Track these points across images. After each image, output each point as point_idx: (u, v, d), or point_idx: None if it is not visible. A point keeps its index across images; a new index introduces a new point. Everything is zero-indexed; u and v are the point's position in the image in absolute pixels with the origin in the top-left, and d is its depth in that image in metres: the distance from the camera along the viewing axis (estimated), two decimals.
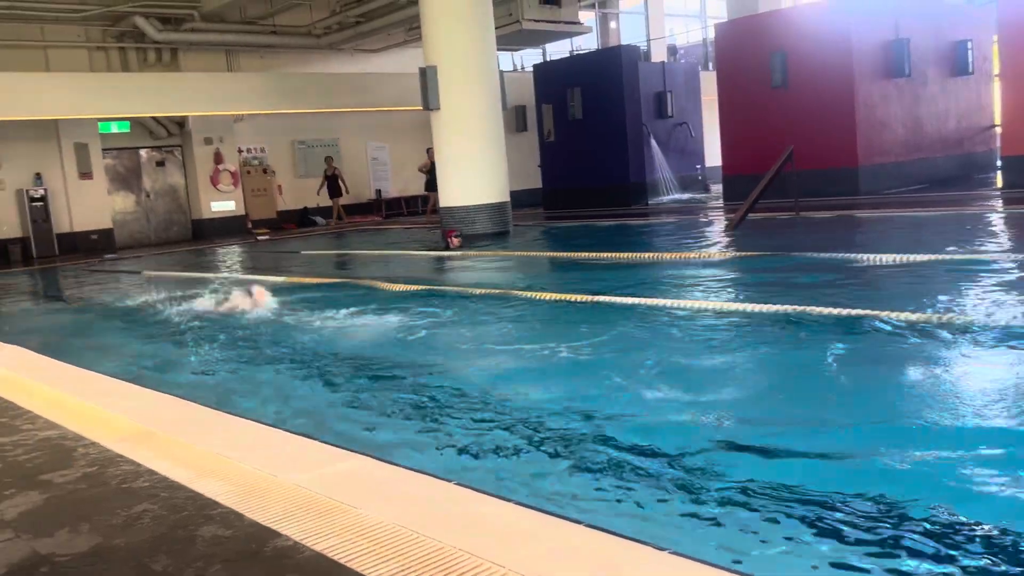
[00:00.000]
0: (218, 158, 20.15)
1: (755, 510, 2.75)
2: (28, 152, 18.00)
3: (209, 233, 19.95)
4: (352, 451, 3.25)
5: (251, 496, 2.78)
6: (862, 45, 14.21)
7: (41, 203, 17.88)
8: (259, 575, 2.21)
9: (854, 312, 5.32)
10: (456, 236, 12.58)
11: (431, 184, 18.38)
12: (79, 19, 18.18)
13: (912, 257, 7.30)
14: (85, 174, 18.60)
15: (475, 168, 14.13)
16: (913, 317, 5.02)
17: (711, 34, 21.60)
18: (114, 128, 19.13)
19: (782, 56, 14.70)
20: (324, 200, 21.85)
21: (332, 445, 3.36)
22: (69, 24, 18.29)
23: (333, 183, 20.52)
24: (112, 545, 2.49)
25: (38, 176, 18.05)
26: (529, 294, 7.38)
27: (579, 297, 7.01)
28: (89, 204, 18.70)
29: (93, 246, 18.52)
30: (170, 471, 3.10)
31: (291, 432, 3.59)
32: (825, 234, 10.18)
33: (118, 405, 4.23)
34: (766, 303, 5.85)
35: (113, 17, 18.50)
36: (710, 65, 24.80)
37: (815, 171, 13.53)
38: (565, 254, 11.09)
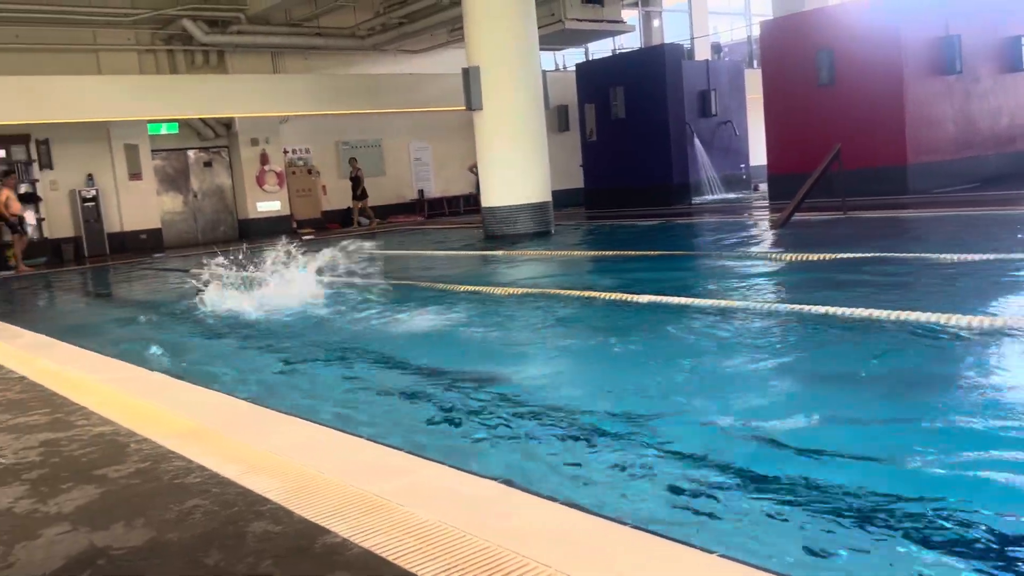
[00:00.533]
0: (264, 159, 20.44)
1: (810, 514, 2.71)
2: (80, 154, 18.42)
3: (255, 233, 20.22)
4: (399, 449, 3.28)
5: (300, 493, 2.81)
6: (911, 42, 13.96)
7: (93, 203, 18.29)
8: (309, 571, 2.23)
9: (904, 315, 5.23)
10: None
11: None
12: (129, 23, 18.57)
13: (964, 257, 7.15)
14: (135, 175, 18.99)
15: (517, 168, 14.14)
16: (964, 320, 4.92)
17: (756, 32, 21.40)
18: (163, 129, 19.50)
19: (829, 54, 14.50)
20: (370, 200, 22.03)
21: (378, 443, 3.39)
22: (119, 28, 18.69)
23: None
24: (166, 539, 2.54)
25: (90, 177, 18.45)
26: (580, 293, 7.37)
27: (636, 297, 6.97)
28: (138, 204, 19.08)
29: (142, 245, 18.90)
30: (220, 467, 3.15)
31: (337, 429, 3.63)
32: (874, 233, 10.02)
33: (169, 402, 4.31)
34: (814, 304, 5.77)
35: (162, 20, 18.86)
36: (755, 63, 24.53)
37: (862, 170, 13.32)
38: (613, 252, 11.04)
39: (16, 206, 15.99)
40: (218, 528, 2.58)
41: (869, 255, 7.81)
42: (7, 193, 15.91)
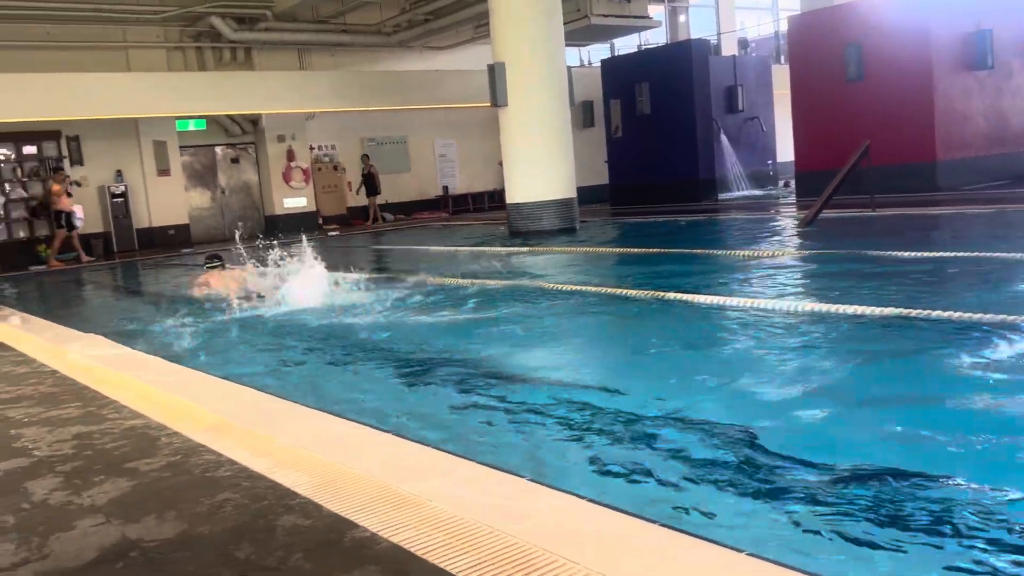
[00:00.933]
0: (290, 155, 20.57)
1: (854, 519, 2.69)
2: (109, 150, 18.63)
3: (281, 229, 20.35)
4: (425, 444, 3.29)
5: (328, 487, 2.83)
6: (941, 37, 13.79)
7: (121, 199, 18.51)
8: (339, 565, 2.25)
9: (936, 313, 5.18)
10: None
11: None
12: (158, 20, 18.74)
13: (996, 255, 7.06)
14: (163, 171, 19.18)
15: (542, 164, 14.13)
16: (998, 319, 4.86)
17: (783, 27, 21.21)
18: (191, 126, 19.68)
19: (857, 48, 14.36)
20: (393, 197, 22.12)
21: (404, 438, 3.40)
22: (149, 25, 18.87)
23: (370, 182, 20.61)
24: (197, 532, 2.57)
25: (119, 173, 18.66)
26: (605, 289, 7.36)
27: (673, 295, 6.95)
28: (167, 200, 19.27)
29: (170, 241, 19.09)
30: (250, 461, 3.18)
31: (365, 424, 3.65)
32: (902, 231, 9.92)
33: (198, 396, 4.35)
34: (842, 303, 5.72)
35: (191, 17, 19.01)
36: (782, 58, 24.34)
37: (891, 166, 13.18)
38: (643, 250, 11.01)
39: (65, 201, 16.40)
40: (248, 521, 2.61)
41: (897, 253, 7.73)
42: (57, 188, 16.37)
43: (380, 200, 21.51)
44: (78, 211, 16.87)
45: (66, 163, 18.10)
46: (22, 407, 4.45)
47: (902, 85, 13.85)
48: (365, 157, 20.86)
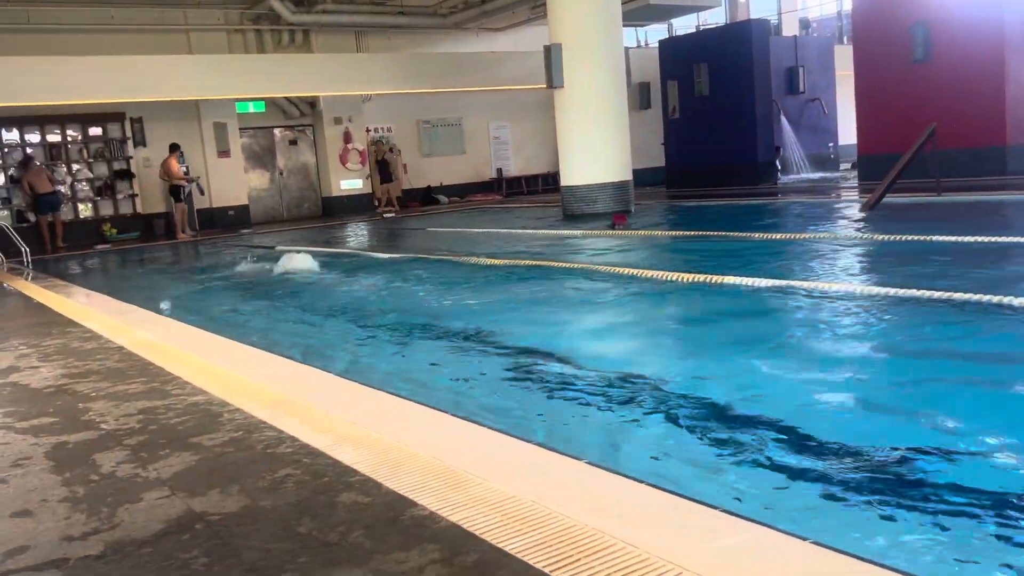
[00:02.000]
0: (347, 137, 20.74)
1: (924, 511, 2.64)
2: (172, 132, 18.96)
3: (338, 210, 20.58)
4: (482, 425, 3.30)
5: (387, 465, 2.86)
6: (1014, 14, 13.31)
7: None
8: (399, 542, 2.27)
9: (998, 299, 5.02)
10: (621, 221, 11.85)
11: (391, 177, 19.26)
12: (219, 3, 19.01)
13: None
14: (223, 152, 19.49)
15: (598, 146, 14.04)
16: None
17: (846, 6, 20.71)
18: (250, 108, 19.95)
19: (924, 28, 13.94)
20: (448, 179, 22.19)
21: (460, 418, 3.42)
22: (209, 8, 19.15)
23: (384, 168, 20.13)
24: (259, 507, 2.61)
25: (181, 155, 18.99)
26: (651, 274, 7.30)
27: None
28: (227, 181, 19.59)
29: (230, 221, 19.42)
30: (310, 438, 3.22)
31: (422, 404, 3.67)
32: (970, 217, 9.65)
33: (261, 373, 4.42)
34: (907, 287, 5.58)
35: (250, 0, 19.23)
36: (844, 39, 23.77)
37: (959, 150, 12.81)
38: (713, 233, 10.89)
39: (180, 176, 17.27)
40: (309, 497, 2.64)
41: (964, 239, 7.52)
42: (174, 163, 17.23)
43: (436, 182, 21.58)
44: (193, 179, 17.81)
45: (129, 144, 18.52)
46: (90, 382, 4.57)
47: (971, 66, 13.42)
48: (380, 143, 20.47)
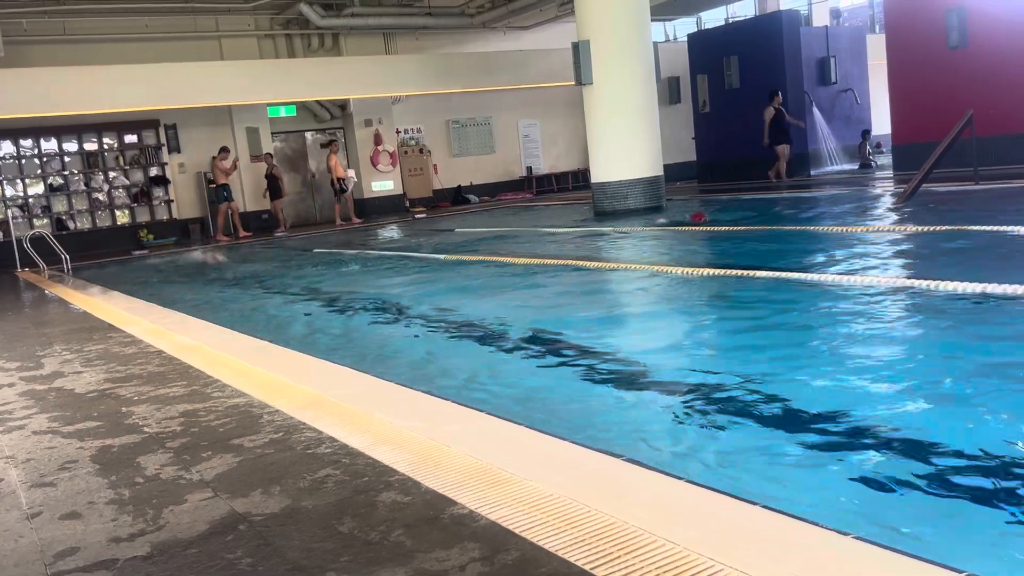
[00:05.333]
0: (377, 139, 20.86)
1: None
2: (205, 137, 19.24)
3: (370, 211, 20.70)
4: (518, 424, 3.31)
5: (425, 464, 2.88)
6: None
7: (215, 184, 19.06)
8: (439, 540, 2.28)
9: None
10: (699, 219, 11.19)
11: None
12: (249, 9, 19.21)
13: None
14: (256, 157, 19.68)
15: (628, 142, 13.99)
16: None
17: None
18: (282, 112, 20.14)
19: (960, 13, 13.70)
20: (478, 178, 22.21)
21: (498, 417, 3.43)
22: (240, 14, 19.36)
23: (272, 183, 18.59)
24: (301, 507, 2.64)
25: (213, 159, 19.23)
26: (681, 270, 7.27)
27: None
28: (260, 185, 19.78)
29: (263, 225, 19.62)
30: (348, 438, 3.25)
31: (458, 403, 3.69)
32: (1010, 205, 9.48)
33: (299, 375, 4.47)
34: (945, 279, 5.50)
35: (280, 6, 19.43)
36: (876, 28, 23.46)
37: (997, 137, 12.58)
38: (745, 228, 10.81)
39: (341, 170, 18.43)
40: (350, 497, 2.67)
41: (1007, 228, 7.39)
42: (335, 159, 18.34)
43: (466, 181, 21.62)
44: (351, 175, 18.93)
45: (164, 150, 18.79)
46: (132, 386, 4.65)
47: (1009, 51, 13.16)
48: (268, 156, 18.97)
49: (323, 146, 18.54)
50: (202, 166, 19.03)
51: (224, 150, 18.06)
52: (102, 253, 17.07)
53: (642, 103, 14.03)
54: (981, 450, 2.93)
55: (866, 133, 18.26)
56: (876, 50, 17.84)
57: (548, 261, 8.90)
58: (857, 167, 17.99)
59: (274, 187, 18.56)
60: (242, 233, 18.13)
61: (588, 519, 2.32)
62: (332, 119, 20.98)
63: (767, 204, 13.06)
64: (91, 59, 17.30)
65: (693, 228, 10.62)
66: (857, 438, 3.15)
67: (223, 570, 2.26)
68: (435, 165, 21.95)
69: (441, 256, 10.47)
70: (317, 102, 20.31)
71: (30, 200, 18.00)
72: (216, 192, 17.90)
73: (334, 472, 2.92)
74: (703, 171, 19.38)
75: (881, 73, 16.07)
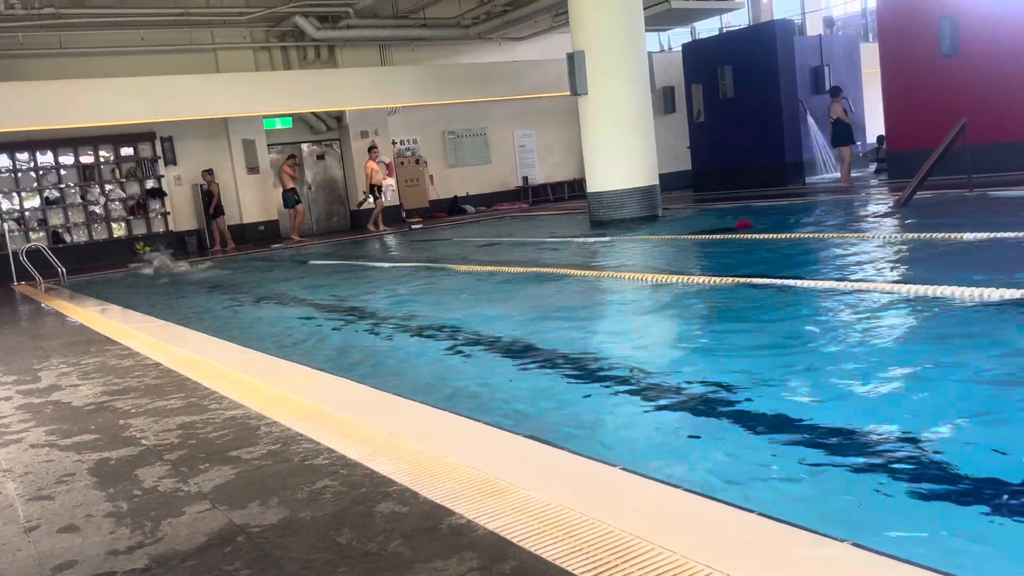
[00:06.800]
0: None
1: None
2: (201, 149, 19.27)
3: (366, 223, 20.70)
4: (516, 433, 3.32)
5: (423, 475, 2.88)
6: None
7: (213, 197, 19.07)
8: (437, 550, 2.29)
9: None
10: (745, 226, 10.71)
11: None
12: (244, 22, 19.26)
13: None
14: (252, 169, 19.73)
15: (623, 152, 14.03)
16: None
17: (871, 3, 20.55)
18: (278, 124, 20.18)
19: (952, 22, 13.80)
20: (474, 189, 22.23)
21: (495, 427, 3.44)
22: (235, 27, 19.41)
23: (209, 201, 18.32)
24: (299, 518, 2.65)
25: (210, 171, 19.26)
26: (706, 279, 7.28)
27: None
28: (256, 197, 19.83)
29: (261, 236, 19.63)
30: (346, 449, 3.26)
31: (456, 414, 3.70)
32: (1004, 211, 9.52)
33: (296, 387, 4.48)
34: (950, 284, 5.53)
35: (275, 18, 19.48)
36: (870, 36, 23.57)
37: (990, 145, 12.65)
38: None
39: (378, 176, 18.57)
40: (348, 508, 2.68)
41: (998, 234, 7.42)
42: (372, 165, 18.48)
43: (462, 192, 21.64)
44: (391, 183, 19.24)
45: (160, 163, 18.81)
46: (130, 398, 4.65)
47: (1001, 59, 13.25)
48: (206, 172, 18.51)
49: (370, 149, 18.96)
50: (198, 178, 19.02)
51: (292, 157, 18.74)
52: (99, 266, 17.06)
53: (637, 113, 14.08)
54: (995, 458, 2.94)
55: (881, 139, 18.30)
56: (870, 58, 17.92)
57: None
58: (873, 170, 18.16)
59: (218, 204, 18.27)
60: (382, 228, 18.70)
61: (586, 528, 2.33)
62: (328, 130, 21.01)
63: (762, 212, 13.09)
64: (87, 72, 17.34)
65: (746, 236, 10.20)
66: (857, 446, 3.16)
67: None
68: (431, 176, 21.98)
69: (452, 266, 10.48)
70: (313, 114, 20.34)
71: (26, 213, 17.99)
72: (287, 197, 18.35)
73: (332, 483, 2.92)
74: (698, 180, 19.43)
75: (875, 81, 16.13)
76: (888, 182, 14.90)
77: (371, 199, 18.86)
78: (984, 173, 11.93)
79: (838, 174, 18.00)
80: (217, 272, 13.76)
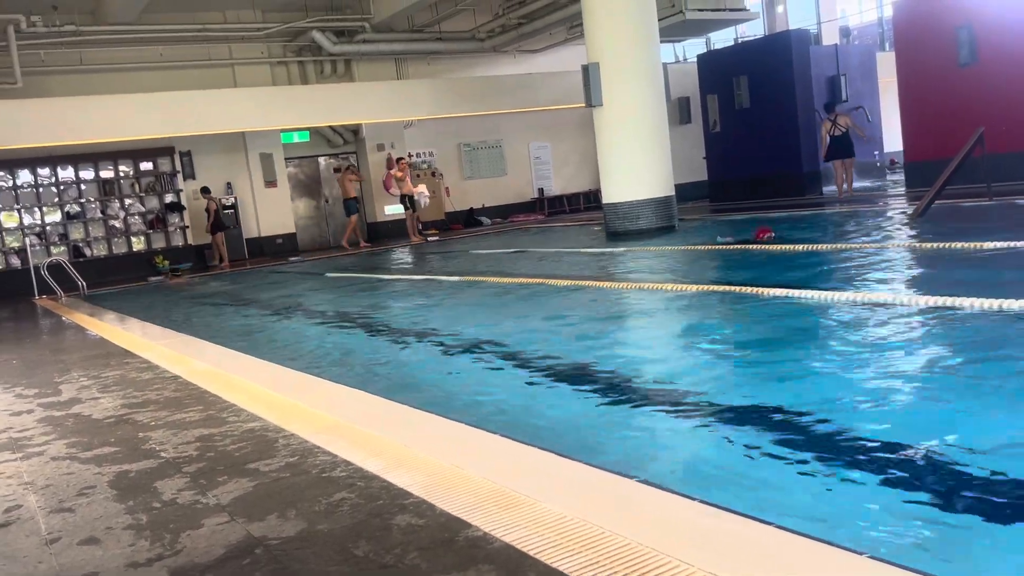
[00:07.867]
0: (390, 163, 20.95)
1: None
2: (219, 163, 19.44)
3: (383, 235, 20.80)
4: (532, 446, 3.32)
5: (440, 487, 2.89)
6: None
7: (232, 210, 19.25)
8: (454, 563, 2.29)
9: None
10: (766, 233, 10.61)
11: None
12: (262, 37, 19.45)
13: None
14: (270, 182, 19.87)
15: (639, 163, 14.02)
16: None
17: (887, 12, 20.49)
18: (295, 138, 20.33)
19: (969, 30, 13.72)
20: (490, 200, 22.27)
21: (511, 439, 3.44)
22: (253, 42, 19.60)
23: (208, 218, 18.24)
24: (316, 530, 2.66)
25: (228, 185, 19.44)
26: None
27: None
28: (274, 210, 19.96)
29: (278, 250, 19.75)
30: (364, 462, 3.27)
31: (472, 426, 3.70)
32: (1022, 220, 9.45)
33: (313, 400, 4.50)
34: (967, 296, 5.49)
35: (292, 33, 19.65)
36: (887, 45, 23.50)
37: (1010, 154, 12.56)
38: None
39: (408, 185, 18.77)
40: (365, 520, 2.69)
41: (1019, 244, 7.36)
42: (400, 174, 18.67)
43: (477, 204, 21.67)
44: (425, 191, 19.29)
45: (179, 177, 18.98)
46: (149, 411, 4.69)
47: (1019, 68, 13.15)
48: (205, 190, 18.48)
49: (397, 160, 19.24)
50: (217, 192, 19.16)
51: (352, 166, 19.42)
52: (118, 279, 17.21)
53: (652, 123, 14.07)
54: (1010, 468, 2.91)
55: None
56: (886, 68, 17.85)
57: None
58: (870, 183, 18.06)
59: (216, 221, 18.23)
60: (418, 236, 18.93)
61: (603, 541, 2.33)
62: (345, 144, 21.14)
63: (780, 222, 13.03)
64: (107, 88, 17.55)
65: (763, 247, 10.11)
66: (881, 458, 3.14)
67: None
68: (447, 188, 22.05)
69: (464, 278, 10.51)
70: (330, 127, 20.49)
71: (47, 228, 18.19)
72: (348, 205, 18.87)
73: (349, 495, 2.93)
74: (715, 190, 19.40)
75: (892, 91, 16.07)
76: (907, 191, 14.82)
77: (418, 203, 19.06)
78: (1002, 182, 11.84)
79: (855, 183, 17.93)
80: (233, 285, 13.85)
